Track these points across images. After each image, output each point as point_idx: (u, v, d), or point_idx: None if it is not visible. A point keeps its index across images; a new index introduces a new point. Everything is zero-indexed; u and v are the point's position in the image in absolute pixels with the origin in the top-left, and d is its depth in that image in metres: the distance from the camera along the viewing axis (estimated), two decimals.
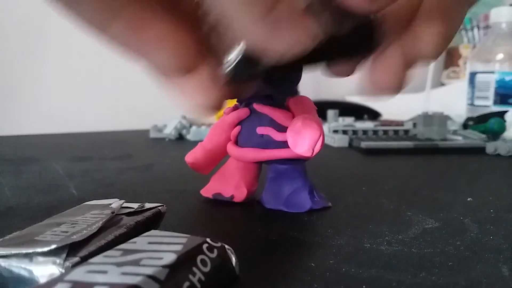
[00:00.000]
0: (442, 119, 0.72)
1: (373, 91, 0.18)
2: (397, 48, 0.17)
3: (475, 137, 0.72)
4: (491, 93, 0.91)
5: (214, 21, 0.16)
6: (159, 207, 0.27)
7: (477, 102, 0.94)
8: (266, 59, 0.14)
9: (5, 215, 0.33)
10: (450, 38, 0.18)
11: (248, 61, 0.15)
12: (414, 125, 0.80)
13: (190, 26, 0.16)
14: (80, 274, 0.17)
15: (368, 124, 0.82)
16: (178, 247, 0.19)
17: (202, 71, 0.16)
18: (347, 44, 0.16)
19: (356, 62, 0.18)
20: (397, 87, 0.17)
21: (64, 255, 0.20)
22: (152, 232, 0.22)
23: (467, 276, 0.23)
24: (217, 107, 0.16)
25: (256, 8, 0.12)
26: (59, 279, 0.17)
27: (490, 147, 0.65)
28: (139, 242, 0.20)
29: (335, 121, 0.86)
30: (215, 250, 0.21)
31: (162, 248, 0.19)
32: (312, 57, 0.16)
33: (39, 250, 0.20)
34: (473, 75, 0.95)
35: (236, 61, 0.15)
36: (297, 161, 0.35)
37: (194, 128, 0.83)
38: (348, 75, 0.19)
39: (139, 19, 0.14)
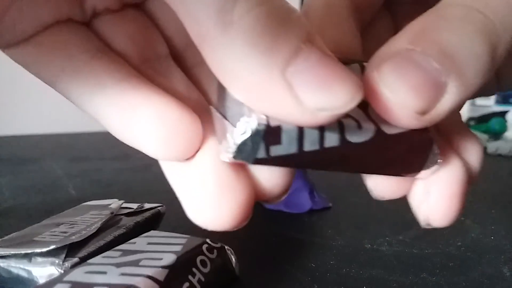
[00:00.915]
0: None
1: (427, 224, 0.13)
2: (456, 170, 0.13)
3: None
4: None
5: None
6: (159, 208, 0.27)
7: (479, 101, 0.94)
8: (291, 132, 0.10)
9: (3, 216, 0.33)
10: None
11: (264, 137, 0.10)
12: None
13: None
14: (79, 274, 0.17)
15: None
16: (178, 248, 0.19)
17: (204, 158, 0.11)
18: (390, 151, 0.11)
19: (404, 179, 0.13)
20: (453, 218, 0.13)
21: (63, 256, 0.20)
22: (152, 232, 0.22)
23: (468, 276, 0.23)
24: (241, 217, 0.11)
25: (275, 58, 0.09)
26: (58, 279, 0.17)
27: (492, 147, 0.65)
28: (139, 242, 0.20)
29: None
30: (215, 251, 0.20)
31: (161, 249, 0.19)
32: (347, 162, 0.11)
33: (38, 250, 0.19)
34: None
35: (246, 137, 0.10)
36: None
37: None
38: (394, 197, 0.13)
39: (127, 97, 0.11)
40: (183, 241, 0.20)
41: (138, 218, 0.25)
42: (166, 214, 0.28)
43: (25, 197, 0.39)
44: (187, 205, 0.11)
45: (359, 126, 0.11)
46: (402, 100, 0.10)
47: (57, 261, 0.19)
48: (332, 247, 0.27)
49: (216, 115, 0.11)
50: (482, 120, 0.81)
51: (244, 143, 0.10)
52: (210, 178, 0.11)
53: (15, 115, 0.93)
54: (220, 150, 0.11)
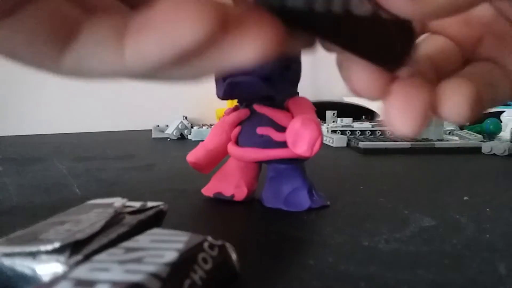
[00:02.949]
0: (438, 119, 0.73)
1: (391, 129, 0.14)
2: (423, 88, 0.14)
3: (471, 137, 0.73)
4: None
5: None
6: (161, 206, 0.27)
7: None
8: None
9: (9, 214, 0.34)
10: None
11: None
12: None
13: None
14: (83, 272, 0.17)
15: (366, 125, 0.83)
16: (180, 245, 0.20)
17: None
18: (381, 33, 0.13)
19: (381, 73, 0.14)
20: (413, 131, 0.14)
21: (67, 253, 0.20)
22: (154, 230, 0.22)
23: (463, 274, 0.23)
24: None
25: None
26: (63, 277, 0.17)
27: (486, 147, 0.66)
28: (142, 240, 0.21)
29: (333, 121, 0.87)
30: (216, 248, 0.21)
31: (164, 246, 0.20)
32: (344, 33, 0.12)
33: (43, 248, 0.20)
34: None
35: None
36: (296, 161, 0.35)
37: (195, 128, 0.83)
38: (368, 95, 0.14)
39: None
40: (184, 238, 0.21)
41: (141, 216, 0.25)
42: (168, 212, 0.28)
43: (30, 196, 0.39)
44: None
45: (361, 1, 0.12)
46: None
47: (61, 259, 0.20)
48: (330, 244, 0.27)
49: None
50: (477, 121, 0.81)
51: None
52: None
53: (20, 115, 0.93)
54: None
